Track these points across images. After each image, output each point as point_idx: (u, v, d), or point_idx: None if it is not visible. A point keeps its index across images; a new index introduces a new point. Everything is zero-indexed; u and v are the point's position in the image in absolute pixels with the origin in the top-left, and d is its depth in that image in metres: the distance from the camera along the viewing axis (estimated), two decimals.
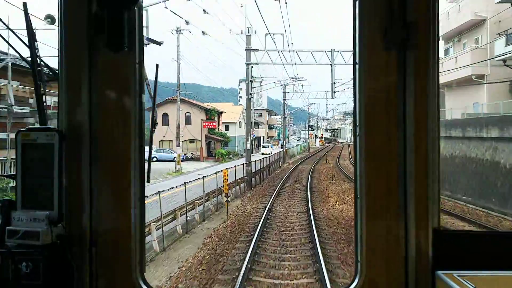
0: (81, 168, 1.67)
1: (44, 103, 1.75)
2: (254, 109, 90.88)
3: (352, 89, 1.80)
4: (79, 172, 1.66)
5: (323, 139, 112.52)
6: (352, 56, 1.76)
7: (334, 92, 29.13)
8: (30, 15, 1.73)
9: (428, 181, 1.68)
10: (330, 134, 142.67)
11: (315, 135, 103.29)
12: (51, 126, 1.67)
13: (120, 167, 1.71)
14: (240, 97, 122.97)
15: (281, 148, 52.93)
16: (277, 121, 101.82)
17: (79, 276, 1.66)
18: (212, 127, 53.16)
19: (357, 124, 1.71)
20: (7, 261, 1.56)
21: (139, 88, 1.73)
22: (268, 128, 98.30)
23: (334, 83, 28.09)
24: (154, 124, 2.07)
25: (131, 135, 1.71)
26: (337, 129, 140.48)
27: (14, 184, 1.64)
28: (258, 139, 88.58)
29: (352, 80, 1.79)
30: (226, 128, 66.01)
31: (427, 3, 1.68)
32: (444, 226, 12.27)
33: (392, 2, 1.65)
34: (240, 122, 72.79)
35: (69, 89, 1.68)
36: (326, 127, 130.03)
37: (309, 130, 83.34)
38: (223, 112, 60.34)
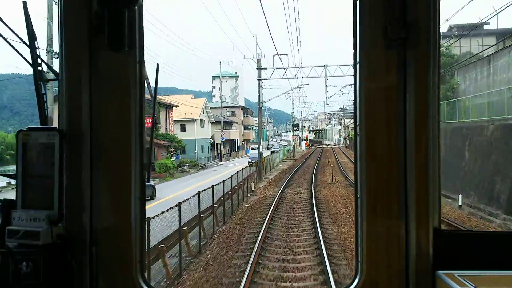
0: (82, 167, 1.79)
1: (45, 103, 1.88)
2: (225, 107, 78.14)
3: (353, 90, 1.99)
4: (79, 172, 1.79)
5: (308, 141, 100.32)
6: (353, 55, 1.87)
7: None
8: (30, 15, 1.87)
9: (428, 180, 1.77)
10: (314, 135, 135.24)
11: (299, 137, 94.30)
12: (51, 126, 1.80)
13: (120, 167, 1.82)
14: (214, 95, 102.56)
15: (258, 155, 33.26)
16: (255, 121, 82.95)
17: (79, 275, 1.75)
18: (147, 125, 30.39)
19: (357, 123, 1.83)
20: (7, 261, 1.63)
21: (139, 87, 1.84)
22: (244, 129, 78.39)
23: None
24: (154, 124, 2.09)
25: (131, 135, 1.82)
26: (322, 130, 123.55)
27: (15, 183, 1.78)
28: (231, 142, 75.30)
29: (353, 80, 1.93)
30: (182, 129, 44.56)
31: (427, 2, 1.78)
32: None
33: (393, 1, 1.75)
34: (202, 120, 50.66)
35: (69, 89, 1.80)
36: (309, 127, 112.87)
37: (293, 131, 63.70)
38: (173, 105, 38.79)
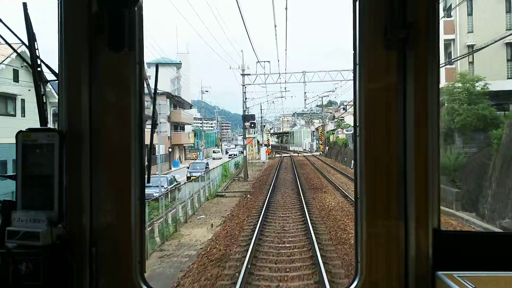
0: (81, 168, 1.78)
1: (45, 103, 1.87)
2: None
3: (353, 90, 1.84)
4: (79, 173, 1.78)
5: (270, 147, 70.72)
6: (352, 56, 1.85)
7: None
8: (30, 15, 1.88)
9: (428, 181, 1.77)
10: (277, 139, 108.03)
11: (258, 141, 62.83)
12: (51, 127, 1.81)
13: (120, 167, 1.81)
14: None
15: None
16: (195, 118, 49.45)
17: (79, 276, 1.73)
18: None
19: (357, 124, 1.82)
20: (7, 261, 1.62)
21: (139, 88, 1.84)
22: (175, 129, 43.54)
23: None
24: (154, 124, 2.09)
25: (131, 135, 1.81)
26: (287, 133, 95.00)
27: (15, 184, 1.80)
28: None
29: (352, 81, 1.91)
30: None
31: (427, 3, 1.79)
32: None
33: (393, 2, 1.75)
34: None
35: (69, 89, 1.79)
36: (270, 130, 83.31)
37: (245, 129, 29.01)
38: None
